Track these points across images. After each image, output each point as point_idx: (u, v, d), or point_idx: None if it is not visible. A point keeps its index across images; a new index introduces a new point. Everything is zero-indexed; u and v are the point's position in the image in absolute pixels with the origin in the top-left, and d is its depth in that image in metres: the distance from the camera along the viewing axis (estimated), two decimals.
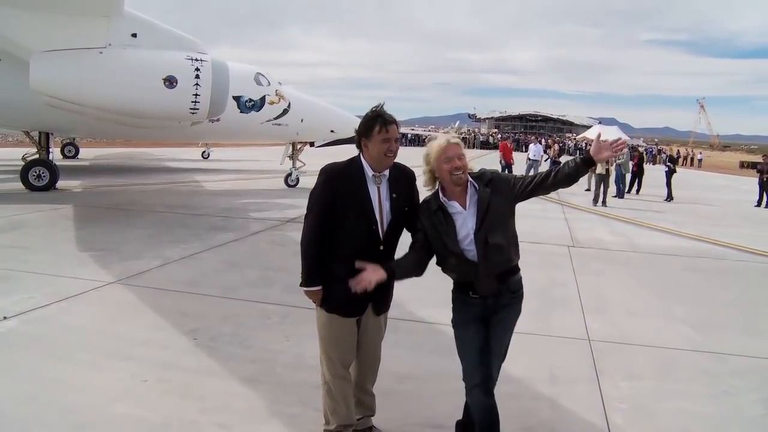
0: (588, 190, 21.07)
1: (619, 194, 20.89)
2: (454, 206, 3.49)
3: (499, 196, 3.50)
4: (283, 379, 4.74)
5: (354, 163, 3.58)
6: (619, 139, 3.60)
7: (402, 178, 3.67)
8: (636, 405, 4.60)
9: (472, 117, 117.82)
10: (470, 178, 3.52)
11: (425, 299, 5.97)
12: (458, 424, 3.86)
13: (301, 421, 4.08)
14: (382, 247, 3.53)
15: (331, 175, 3.55)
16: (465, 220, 3.47)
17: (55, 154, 18.12)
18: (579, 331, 6.25)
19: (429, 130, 72.51)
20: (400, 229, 3.66)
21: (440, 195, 3.53)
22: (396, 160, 3.63)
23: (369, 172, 3.54)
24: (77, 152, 25.50)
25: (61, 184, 15.14)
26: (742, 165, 59.41)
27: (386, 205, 3.56)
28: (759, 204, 21.97)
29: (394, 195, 3.59)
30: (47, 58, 10.89)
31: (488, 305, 3.53)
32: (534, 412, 4.35)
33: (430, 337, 5.72)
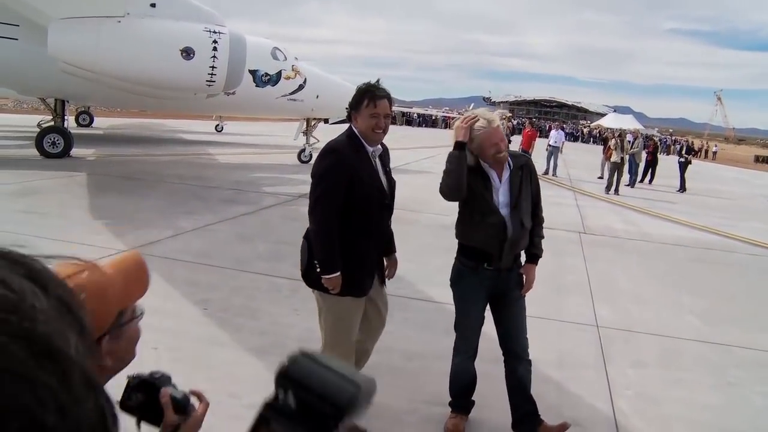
0: (600, 177, 20.99)
1: (631, 183, 20.77)
2: (492, 175, 3.62)
3: (527, 186, 3.69)
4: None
5: (354, 140, 3.56)
6: (474, 117, 3.59)
7: (387, 155, 3.78)
8: (641, 392, 4.64)
9: (486, 100, 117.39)
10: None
11: (435, 278, 6.00)
12: (461, 387, 4.00)
13: None
14: (390, 222, 3.61)
15: (340, 155, 3.50)
16: (499, 193, 3.62)
17: (70, 122, 18.18)
18: (588, 317, 6.28)
19: (444, 112, 72.18)
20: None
21: (481, 161, 3.61)
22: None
23: (369, 147, 3.56)
24: (92, 121, 25.55)
25: (75, 152, 15.18)
26: (757, 159, 58.96)
27: (384, 179, 3.63)
28: None
29: (387, 168, 3.70)
30: (66, 25, 10.90)
31: (501, 279, 3.66)
32: (541, 395, 4.36)
33: (440, 316, 5.74)
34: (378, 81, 3.57)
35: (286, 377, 0.74)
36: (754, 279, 8.95)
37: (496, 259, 3.64)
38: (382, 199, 3.54)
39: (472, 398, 3.98)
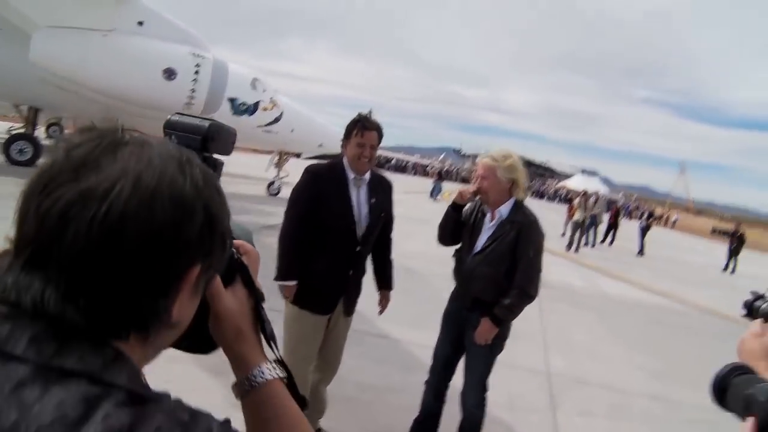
0: (563, 235, 21.38)
1: (591, 243, 21.20)
2: (487, 217, 3.72)
3: (507, 243, 3.57)
4: None
5: (337, 166, 3.70)
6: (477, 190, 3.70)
7: (381, 186, 3.85)
8: None
9: (457, 152, 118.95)
10: (506, 206, 3.66)
11: (395, 317, 6.06)
12: (415, 421, 4.02)
13: None
14: (358, 248, 3.67)
15: (314, 175, 3.65)
16: (481, 236, 3.70)
17: (41, 132, 17.99)
18: (540, 365, 6.39)
19: (415, 159, 73.01)
20: (376, 232, 3.80)
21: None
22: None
23: (350, 174, 3.67)
24: (62, 132, 25.28)
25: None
26: (714, 231, 60.56)
27: (365, 208, 3.70)
28: (726, 269, 22.50)
29: (372, 200, 3.74)
30: (51, 34, 10.93)
31: (464, 319, 3.73)
32: None
33: (397, 354, 5.80)
34: (370, 112, 3.70)
35: (167, 126, 1.08)
36: (706, 343, 9.17)
37: (457, 295, 3.77)
38: (349, 224, 3.63)
39: None
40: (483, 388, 3.75)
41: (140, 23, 11.70)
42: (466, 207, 3.78)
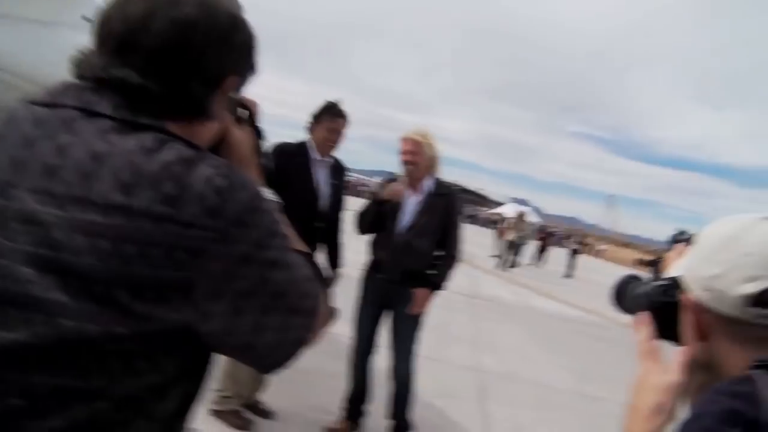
0: (495, 256, 21.88)
1: (517, 264, 21.75)
2: (408, 194, 3.86)
3: (435, 214, 3.82)
4: None
5: (302, 146, 3.86)
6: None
7: (339, 170, 4.02)
8: (514, 424, 4.95)
9: (391, 174, 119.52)
10: (429, 181, 3.86)
11: None
12: (347, 399, 4.13)
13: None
14: (320, 224, 3.81)
15: (280, 151, 3.77)
16: (405, 211, 3.84)
17: None
18: (471, 362, 6.61)
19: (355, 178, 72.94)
20: (336, 212, 3.97)
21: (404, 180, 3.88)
22: None
23: (315, 155, 3.83)
24: None
25: None
26: (638, 262, 62.60)
27: (326, 188, 3.87)
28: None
29: (334, 182, 3.92)
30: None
31: (391, 291, 3.88)
32: (423, 418, 4.58)
33: (328, 343, 5.86)
34: (339, 101, 3.87)
35: None
36: (624, 351, 9.59)
37: (383, 270, 3.88)
38: (312, 199, 3.76)
39: (362, 408, 4.11)
40: (413, 356, 3.92)
41: (87, 19, 11.51)
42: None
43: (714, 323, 0.99)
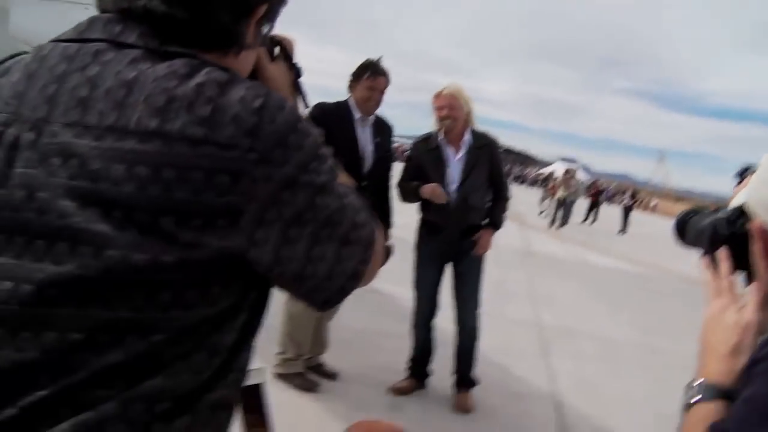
0: (541, 213, 21.64)
1: (564, 221, 21.43)
2: (447, 152, 3.85)
3: (483, 166, 3.86)
4: None
5: (342, 105, 3.83)
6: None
7: (384, 128, 3.99)
8: (580, 378, 4.89)
9: None
10: (468, 135, 3.88)
11: (389, 277, 6.09)
12: (411, 359, 4.15)
13: (265, 353, 4.20)
14: (365, 183, 3.76)
15: (321, 111, 3.72)
16: (450, 170, 3.84)
17: None
18: (530, 318, 6.56)
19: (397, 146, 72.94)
20: (380, 171, 3.92)
21: (440, 136, 3.88)
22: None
23: (356, 114, 3.80)
24: None
25: None
26: None
27: (369, 146, 3.83)
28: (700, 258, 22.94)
29: (377, 139, 3.88)
30: (31, 6, 10.83)
31: (452, 248, 3.91)
32: (486, 374, 4.55)
33: (391, 306, 5.91)
34: (380, 59, 3.82)
35: None
36: (688, 304, 9.40)
37: (443, 231, 3.88)
38: (356, 159, 3.73)
39: (426, 368, 4.12)
40: (479, 308, 3.99)
41: None
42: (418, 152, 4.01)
43: None
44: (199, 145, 0.74)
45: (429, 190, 3.80)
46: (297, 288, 0.89)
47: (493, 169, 3.91)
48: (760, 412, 0.73)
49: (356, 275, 0.90)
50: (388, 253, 1.04)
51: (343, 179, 0.92)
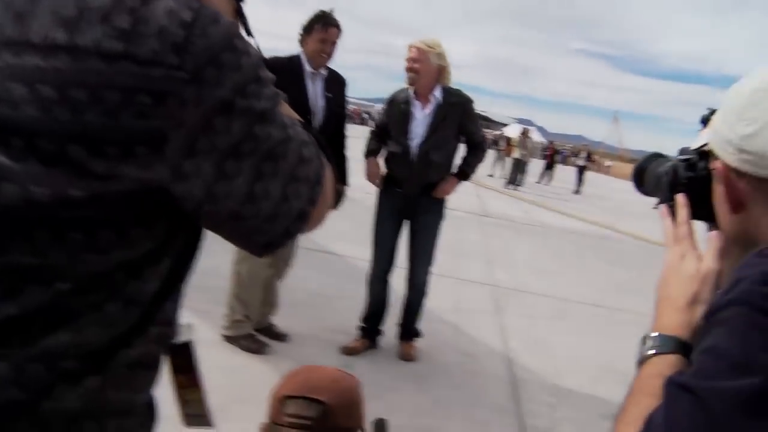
0: (491, 176, 21.74)
1: (519, 182, 21.55)
2: (416, 106, 3.79)
3: (452, 122, 3.80)
4: (198, 283, 4.72)
5: (294, 58, 3.70)
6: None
7: (336, 82, 3.85)
8: (532, 336, 4.91)
9: None
10: (438, 91, 3.78)
11: (340, 236, 6.03)
12: (365, 317, 4.10)
13: (212, 316, 4.07)
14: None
15: (269, 66, 3.58)
16: (415, 124, 3.78)
17: None
18: (484, 278, 6.57)
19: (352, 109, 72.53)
20: (332, 126, 3.79)
21: (411, 92, 3.81)
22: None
23: (307, 67, 3.66)
24: None
25: None
26: None
27: (321, 101, 3.72)
28: (657, 206, 23.45)
29: (328, 94, 3.76)
30: None
31: (411, 203, 3.84)
32: (438, 332, 4.54)
33: (342, 267, 5.83)
34: (332, 10, 3.68)
35: None
36: (640, 262, 9.56)
37: (404, 185, 3.83)
38: (305, 113, 3.60)
39: (378, 326, 4.07)
40: (431, 265, 3.98)
41: None
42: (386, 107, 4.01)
43: (751, 190, 0.86)
44: (116, 61, 0.63)
45: (367, 168, 3.91)
46: (233, 229, 0.78)
47: (467, 126, 3.87)
48: (718, 363, 0.67)
49: (303, 216, 0.80)
50: (339, 195, 0.90)
51: (288, 111, 0.82)
